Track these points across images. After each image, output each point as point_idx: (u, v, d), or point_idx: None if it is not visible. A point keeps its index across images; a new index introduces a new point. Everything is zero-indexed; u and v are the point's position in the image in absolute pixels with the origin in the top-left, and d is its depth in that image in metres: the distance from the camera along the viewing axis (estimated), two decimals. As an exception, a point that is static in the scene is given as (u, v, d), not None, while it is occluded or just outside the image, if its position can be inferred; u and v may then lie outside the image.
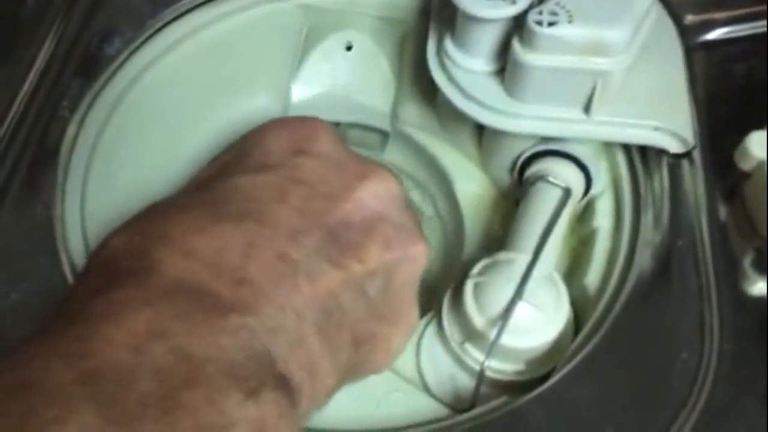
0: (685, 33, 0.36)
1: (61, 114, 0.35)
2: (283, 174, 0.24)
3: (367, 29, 0.44)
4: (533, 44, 0.31)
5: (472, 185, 0.40)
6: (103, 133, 0.37)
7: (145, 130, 0.38)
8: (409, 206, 0.27)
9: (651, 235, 0.33)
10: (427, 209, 0.43)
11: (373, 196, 0.25)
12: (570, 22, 0.31)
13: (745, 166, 0.31)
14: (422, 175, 0.43)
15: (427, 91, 0.40)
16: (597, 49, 0.31)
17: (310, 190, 0.24)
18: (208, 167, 0.26)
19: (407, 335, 0.27)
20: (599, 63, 0.31)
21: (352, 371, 0.25)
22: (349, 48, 0.44)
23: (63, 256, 0.32)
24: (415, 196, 0.43)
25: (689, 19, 0.38)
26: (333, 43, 0.44)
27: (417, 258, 0.26)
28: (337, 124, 0.44)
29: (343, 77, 0.44)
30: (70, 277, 0.31)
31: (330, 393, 0.23)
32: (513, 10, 0.32)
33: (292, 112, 0.43)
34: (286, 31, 0.44)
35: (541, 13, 0.31)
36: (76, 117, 0.36)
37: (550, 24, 0.31)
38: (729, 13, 0.38)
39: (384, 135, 0.44)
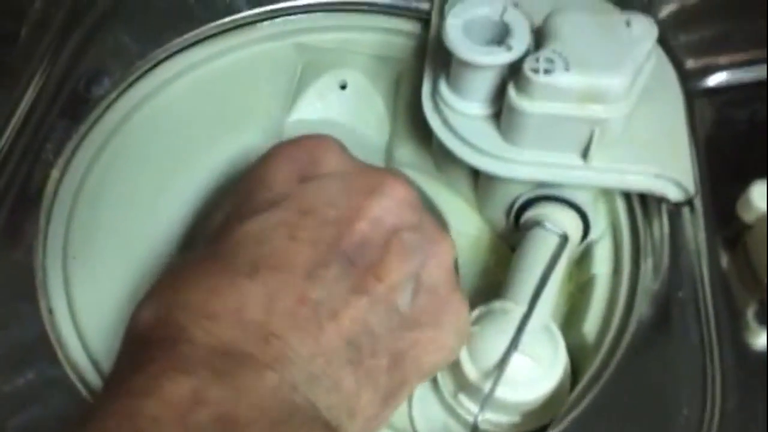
0: (686, 78, 0.36)
1: (45, 157, 0.34)
2: (290, 207, 0.24)
3: (362, 68, 0.44)
4: (529, 91, 0.30)
5: (468, 227, 0.39)
6: (89, 176, 0.36)
7: (133, 173, 0.37)
8: (424, 203, 0.27)
9: (650, 284, 0.32)
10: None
11: (384, 209, 0.25)
12: (567, 69, 0.30)
13: (748, 217, 0.30)
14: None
15: (423, 132, 0.40)
16: (595, 96, 0.30)
17: (319, 217, 0.24)
18: (217, 213, 0.27)
19: (458, 328, 0.26)
20: (597, 111, 0.30)
21: (400, 387, 0.24)
22: (343, 87, 0.44)
23: (42, 303, 0.31)
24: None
25: (690, 63, 0.37)
26: (327, 82, 0.43)
27: (441, 254, 0.26)
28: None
29: (337, 116, 0.43)
30: (48, 325, 0.30)
31: (379, 418, 0.24)
32: (509, 57, 0.31)
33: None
34: (280, 70, 0.43)
35: (537, 60, 0.30)
36: (61, 160, 0.35)
37: (546, 71, 0.30)
38: (731, 58, 0.37)
39: (378, 174, 0.43)
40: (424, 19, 0.43)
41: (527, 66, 0.30)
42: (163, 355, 0.21)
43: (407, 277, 0.24)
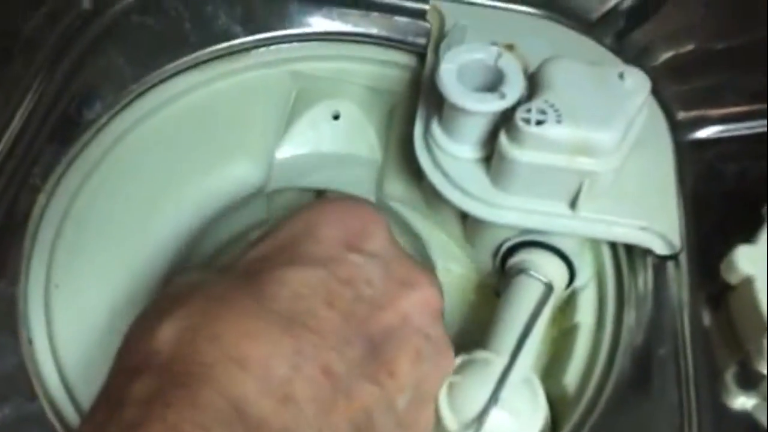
0: (677, 129, 0.36)
1: (32, 182, 0.34)
2: (332, 272, 0.25)
3: (356, 99, 0.44)
4: (520, 141, 0.31)
5: (455, 266, 0.39)
6: (75, 201, 0.36)
7: (120, 199, 0.37)
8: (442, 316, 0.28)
9: (632, 338, 0.32)
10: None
11: (413, 307, 0.26)
12: (558, 122, 0.30)
13: (732, 279, 0.30)
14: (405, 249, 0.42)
15: (413, 167, 0.39)
16: (585, 150, 0.30)
17: (356, 292, 0.25)
18: (257, 247, 0.26)
19: None
20: (587, 163, 0.30)
21: None
22: (336, 117, 0.43)
23: (22, 333, 0.30)
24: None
25: (681, 115, 0.37)
26: (320, 111, 0.43)
27: (444, 370, 0.27)
28: (321, 192, 0.43)
29: (328, 146, 0.43)
30: (26, 357, 0.30)
31: None
32: (501, 105, 0.31)
33: (275, 179, 0.42)
34: (274, 97, 0.43)
35: (529, 110, 0.30)
36: (48, 185, 0.35)
37: (539, 123, 0.30)
38: (723, 111, 0.37)
39: (368, 206, 0.43)
40: (419, 52, 0.43)
41: (519, 116, 0.30)
42: (183, 401, 0.20)
43: (413, 382, 0.25)
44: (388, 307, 0.25)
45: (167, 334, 0.22)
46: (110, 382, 0.23)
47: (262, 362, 0.22)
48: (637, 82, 0.32)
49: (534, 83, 0.32)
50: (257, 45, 0.43)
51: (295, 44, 0.44)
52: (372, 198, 0.42)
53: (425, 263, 0.40)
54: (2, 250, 0.32)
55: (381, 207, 0.42)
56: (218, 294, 0.24)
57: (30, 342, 0.31)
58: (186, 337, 0.22)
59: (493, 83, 0.33)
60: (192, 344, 0.22)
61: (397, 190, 0.41)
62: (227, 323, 0.22)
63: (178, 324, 0.22)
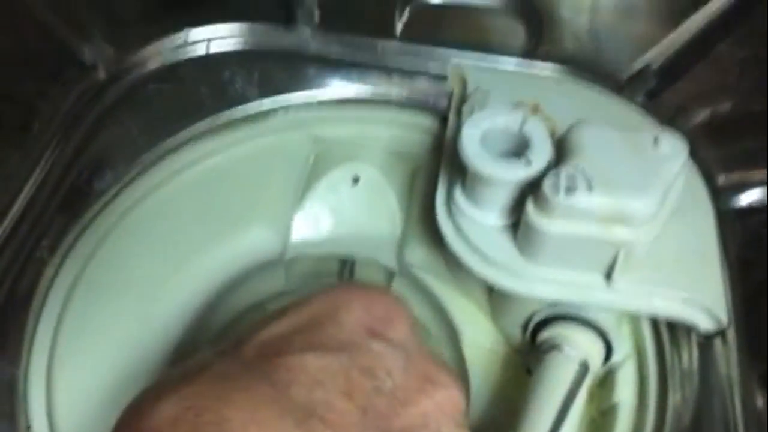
0: (717, 194, 0.34)
1: (39, 255, 0.33)
2: (353, 359, 0.23)
3: (376, 163, 0.42)
4: (549, 210, 0.29)
5: (482, 338, 0.37)
6: (83, 273, 0.35)
7: (130, 272, 0.35)
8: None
9: (679, 422, 0.29)
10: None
11: (435, 407, 0.24)
12: (590, 189, 0.28)
13: (787, 361, 0.28)
14: (428, 319, 0.40)
15: (436, 233, 0.38)
16: (620, 219, 0.28)
17: (376, 383, 0.23)
18: (276, 324, 0.25)
19: None
20: (622, 233, 0.28)
21: None
22: (356, 181, 0.42)
23: (21, 419, 0.29)
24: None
25: (722, 179, 0.35)
26: (340, 175, 0.42)
27: None
28: (342, 261, 0.42)
29: (348, 211, 0.42)
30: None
31: None
32: (528, 173, 0.30)
33: (293, 246, 0.40)
34: (292, 162, 0.42)
35: (557, 177, 0.28)
36: (55, 258, 0.33)
37: (568, 191, 0.28)
38: (765, 174, 0.35)
39: (389, 272, 0.41)
40: (441, 115, 0.42)
41: (547, 185, 0.28)
42: None
43: None
44: (409, 405, 0.24)
45: (167, 412, 0.21)
46: None
47: None
48: (673, 147, 0.30)
49: (562, 148, 0.31)
50: (275, 109, 0.42)
51: (313, 108, 0.43)
52: (394, 265, 0.40)
53: (452, 334, 0.38)
54: (4, 328, 0.31)
55: (403, 276, 0.40)
56: (229, 374, 0.22)
57: (28, 429, 0.29)
58: (187, 417, 0.20)
59: (519, 148, 0.31)
60: (193, 427, 0.20)
61: (419, 257, 0.39)
62: (236, 408, 0.21)
63: (181, 403, 0.21)
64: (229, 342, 0.26)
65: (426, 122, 0.43)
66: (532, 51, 0.42)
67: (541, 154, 0.30)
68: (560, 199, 0.28)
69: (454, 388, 0.25)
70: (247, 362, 0.23)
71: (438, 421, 0.24)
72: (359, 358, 0.24)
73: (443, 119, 0.41)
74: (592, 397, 0.33)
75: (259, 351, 0.24)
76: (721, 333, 0.30)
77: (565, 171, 0.29)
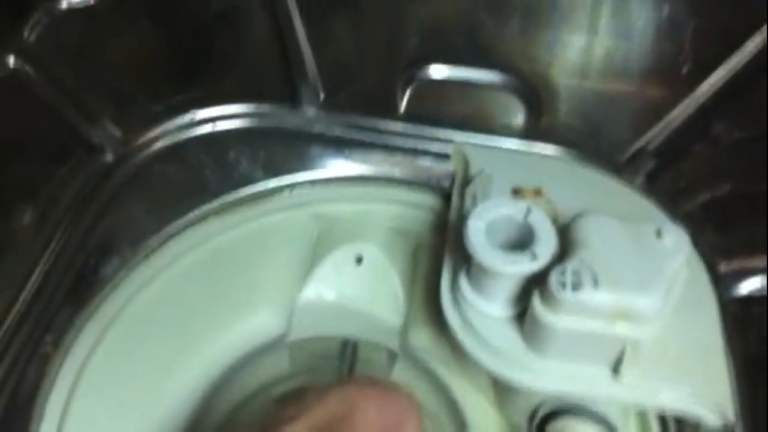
0: (719, 282, 0.34)
1: (43, 350, 0.33)
2: None
3: (379, 241, 0.42)
4: (555, 306, 0.29)
5: (488, 426, 0.37)
6: (87, 366, 0.34)
7: (135, 359, 0.35)
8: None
9: None
10: (437, 447, 0.39)
11: None
12: (595, 286, 0.28)
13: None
14: (432, 404, 0.40)
15: (440, 317, 0.38)
16: (626, 315, 0.28)
17: None
18: (289, 426, 0.25)
19: None
20: (628, 330, 0.28)
21: None
22: (359, 260, 0.42)
23: None
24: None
25: (723, 266, 0.35)
26: (343, 255, 0.42)
27: None
28: (344, 342, 0.42)
29: (351, 292, 0.41)
30: None
31: None
32: (533, 267, 0.30)
33: (297, 326, 0.40)
34: (296, 241, 0.42)
35: (563, 273, 0.29)
36: (60, 351, 0.33)
37: (575, 287, 0.28)
38: (765, 260, 0.35)
39: (392, 355, 0.41)
40: (444, 193, 0.42)
41: (554, 281, 0.29)
42: None
43: None
44: None
45: None
46: None
47: None
48: (675, 240, 0.30)
49: (567, 240, 0.31)
50: (279, 189, 0.43)
51: (317, 187, 0.43)
52: (396, 349, 0.40)
53: (457, 421, 0.37)
54: (8, 429, 0.31)
55: (407, 359, 0.40)
56: None
57: None
58: None
59: (523, 239, 0.31)
60: None
61: (423, 341, 0.39)
62: None
63: None
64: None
65: (428, 200, 0.43)
66: (531, 131, 0.43)
67: (546, 248, 0.30)
68: (567, 295, 0.28)
69: None
70: None
71: None
72: None
73: (445, 197, 0.42)
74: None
75: None
76: (729, 429, 0.30)
77: (570, 267, 0.29)
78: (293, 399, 0.27)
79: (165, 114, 0.43)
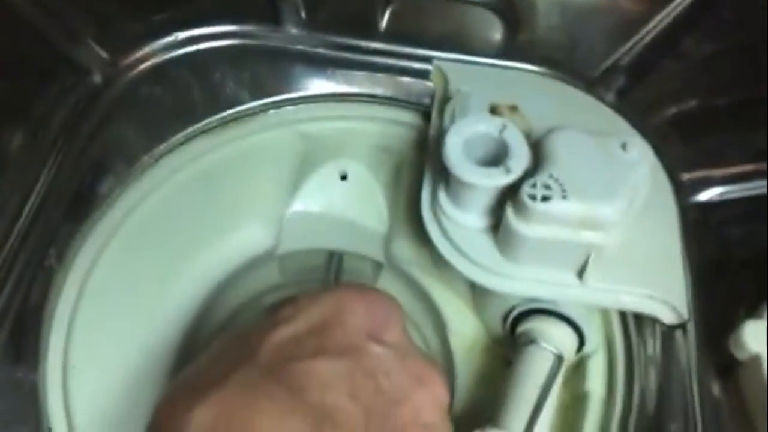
0: (681, 191, 0.36)
1: (48, 264, 0.35)
2: (356, 362, 0.26)
3: (363, 158, 0.44)
4: (527, 216, 0.31)
5: (466, 328, 0.39)
6: (90, 278, 0.36)
7: (133, 273, 0.37)
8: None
9: (643, 410, 0.32)
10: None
11: (425, 403, 0.27)
12: (564, 197, 0.30)
13: (740, 356, 0.31)
14: (415, 312, 0.42)
15: (421, 229, 0.40)
16: (591, 223, 0.31)
17: (376, 384, 0.26)
18: (286, 326, 0.27)
19: None
20: (593, 237, 0.31)
21: None
22: (344, 177, 0.44)
23: (43, 422, 0.31)
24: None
25: (685, 176, 0.37)
26: (328, 172, 0.44)
27: None
28: (330, 253, 0.44)
29: (337, 206, 0.43)
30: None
31: None
32: (507, 180, 0.32)
33: (285, 239, 0.42)
34: (282, 159, 0.44)
35: (534, 186, 0.31)
36: (63, 264, 0.35)
37: (544, 199, 0.30)
38: (727, 171, 0.37)
39: (377, 265, 0.44)
40: (425, 111, 0.44)
41: (525, 192, 0.31)
42: None
43: None
44: (404, 403, 0.26)
45: (202, 418, 0.23)
46: None
47: None
48: (640, 153, 0.32)
49: (539, 153, 0.33)
50: (264, 108, 0.44)
51: (301, 105, 0.44)
52: (382, 259, 0.42)
53: (438, 325, 0.40)
54: (21, 336, 0.33)
55: (391, 269, 0.42)
56: (252, 381, 0.25)
57: (50, 430, 0.32)
58: (220, 425, 0.23)
59: (498, 154, 0.33)
60: None
61: (406, 252, 0.41)
62: (261, 415, 0.23)
63: (214, 410, 0.23)
64: (240, 336, 0.28)
65: (410, 118, 0.44)
66: (509, 48, 0.44)
67: (519, 162, 0.32)
68: (537, 206, 0.30)
69: (440, 384, 0.28)
70: (264, 367, 0.25)
71: (425, 415, 0.27)
72: (361, 361, 0.26)
73: (426, 114, 0.43)
74: (565, 384, 0.36)
75: (274, 354, 0.26)
76: (682, 326, 0.33)
77: (541, 179, 0.31)
78: (286, 304, 0.29)
79: (149, 35, 0.43)
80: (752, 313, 0.31)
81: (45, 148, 0.38)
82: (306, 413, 0.24)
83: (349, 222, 0.43)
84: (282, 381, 0.25)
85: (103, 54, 0.42)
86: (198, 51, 0.44)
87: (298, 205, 0.43)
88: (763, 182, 0.37)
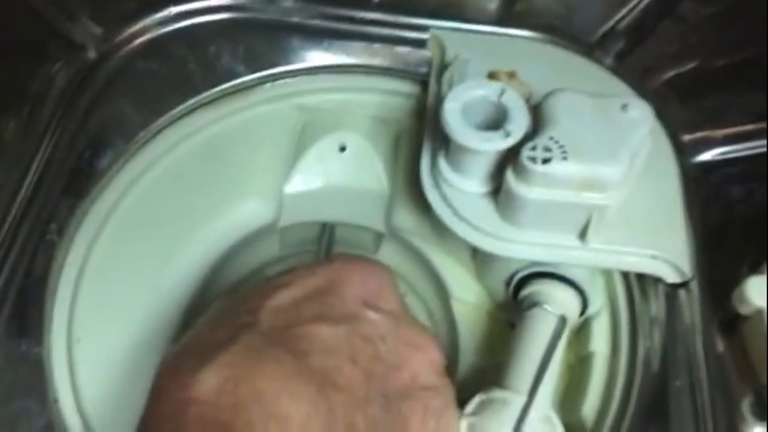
0: (681, 152, 0.36)
1: (49, 238, 0.35)
2: (355, 328, 0.27)
3: (362, 129, 0.44)
4: (527, 179, 0.31)
5: (469, 296, 0.39)
6: (91, 253, 0.36)
7: (134, 247, 0.37)
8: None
9: (648, 367, 0.32)
10: (421, 316, 0.42)
11: (422, 366, 0.28)
12: (564, 159, 0.30)
13: (743, 310, 0.31)
14: (417, 280, 0.43)
15: (421, 198, 0.39)
16: (592, 185, 0.31)
17: (374, 349, 0.27)
18: (284, 292, 0.28)
19: None
20: (595, 198, 0.31)
21: None
22: (343, 149, 0.44)
23: (48, 393, 0.31)
24: (410, 301, 0.42)
25: (686, 137, 0.37)
26: (327, 144, 0.43)
27: (450, 419, 0.29)
28: (331, 225, 0.44)
29: (336, 178, 0.43)
30: (54, 416, 0.31)
31: None
32: (507, 143, 0.32)
33: (286, 212, 0.42)
34: (280, 132, 0.43)
35: (534, 148, 0.31)
36: (65, 239, 0.35)
37: (545, 161, 0.30)
38: (727, 131, 0.37)
39: (378, 235, 0.44)
40: (422, 80, 0.44)
41: (525, 155, 0.31)
42: None
43: None
44: (402, 367, 0.27)
45: (209, 382, 0.23)
46: None
47: (300, 421, 0.23)
48: (640, 114, 0.32)
49: (538, 117, 0.33)
50: (261, 81, 0.44)
51: (298, 78, 0.44)
52: (383, 230, 0.42)
53: (441, 292, 0.40)
54: (24, 310, 0.33)
55: (392, 239, 0.42)
56: (256, 346, 0.25)
57: (56, 401, 0.32)
58: (227, 388, 0.23)
59: (498, 119, 0.33)
60: (233, 396, 0.23)
61: (407, 221, 0.41)
62: (267, 379, 0.23)
63: (221, 373, 0.23)
64: (238, 301, 0.28)
65: (408, 88, 0.44)
66: (506, 16, 0.44)
67: (519, 126, 0.32)
68: (538, 168, 0.30)
69: (434, 347, 0.29)
70: (266, 331, 0.26)
71: (423, 377, 0.28)
72: (360, 327, 0.27)
73: (424, 84, 0.43)
74: (570, 346, 0.36)
75: (274, 319, 0.26)
76: (685, 284, 0.33)
77: (541, 142, 0.31)
78: (284, 272, 0.30)
79: (144, 10, 0.43)
80: (754, 269, 0.32)
81: (42, 124, 0.38)
82: (310, 377, 0.24)
83: (350, 193, 0.43)
84: (285, 345, 0.25)
85: (98, 30, 0.42)
86: (193, 25, 0.44)
87: (297, 178, 0.43)
88: (763, 141, 0.37)
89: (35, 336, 0.32)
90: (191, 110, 0.42)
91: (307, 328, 0.26)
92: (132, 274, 0.37)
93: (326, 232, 0.44)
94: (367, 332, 0.27)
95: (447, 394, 0.29)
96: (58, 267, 0.35)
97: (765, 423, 0.30)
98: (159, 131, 0.41)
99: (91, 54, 0.41)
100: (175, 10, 0.44)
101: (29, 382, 0.31)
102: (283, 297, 0.27)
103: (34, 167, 0.36)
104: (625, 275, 0.36)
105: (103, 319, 0.35)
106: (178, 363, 0.25)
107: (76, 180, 0.37)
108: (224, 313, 0.28)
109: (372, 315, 0.27)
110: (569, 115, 0.32)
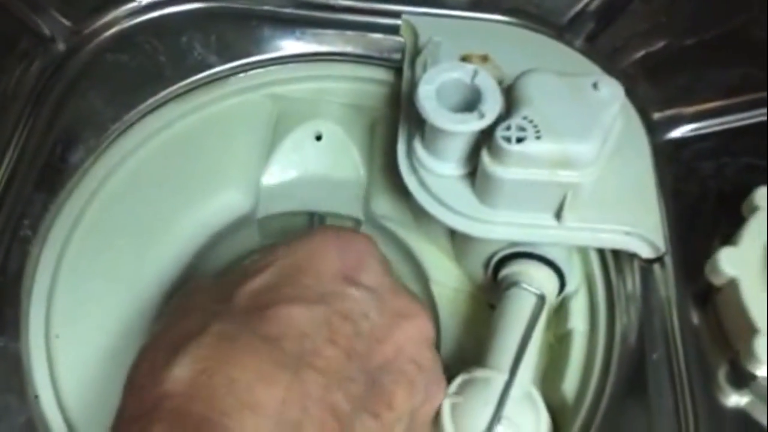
0: (653, 129, 0.37)
1: (23, 234, 0.34)
2: (333, 307, 0.26)
3: (337, 118, 0.44)
4: (502, 159, 0.31)
5: (448, 279, 0.40)
6: (67, 249, 0.36)
7: (111, 241, 0.37)
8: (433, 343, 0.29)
9: (626, 342, 0.33)
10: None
11: (407, 337, 0.27)
12: (538, 138, 0.31)
13: (716, 281, 0.31)
14: (396, 265, 0.42)
15: (399, 184, 0.40)
16: (566, 163, 0.31)
17: (355, 327, 0.26)
18: (259, 276, 0.27)
19: None
20: (569, 176, 0.31)
21: None
22: (318, 138, 0.44)
23: (28, 389, 0.31)
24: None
25: (657, 115, 0.38)
26: (302, 134, 0.44)
27: (436, 398, 0.29)
28: (310, 214, 0.44)
29: (313, 167, 0.43)
30: (34, 412, 0.30)
31: None
32: (481, 124, 0.32)
33: (263, 205, 0.42)
34: (255, 123, 0.43)
35: (509, 128, 0.31)
36: (39, 235, 0.35)
37: (519, 140, 0.30)
38: (697, 108, 0.38)
39: (357, 223, 0.44)
40: (396, 67, 0.44)
41: (499, 135, 0.31)
42: None
43: (408, 411, 0.27)
44: (385, 341, 0.26)
45: (181, 375, 0.23)
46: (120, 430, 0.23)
47: (275, 408, 0.22)
48: (611, 91, 0.32)
49: (511, 98, 0.33)
50: (234, 72, 0.43)
51: (271, 67, 0.44)
52: (361, 217, 0.42)
53: (420, 277, 0.40)
54: (0, 307, 0.33)
55: (371, 225, 0.42)
56: (229, 334, 0.24)
57: (36, 397, 0.31)
58: (201, 380, 0.22)
59: (471, 101, 0.33)
60: (207, 388, 0.22)
61: (385, 207, 0.41)
62: (241, 368, 0.23)
63: (194, 366, 0.23)
64: (212, 287, 0.28)
65: (381, 75, 0.44)
66: (477, 1, 0.44)
67: (492, 106, 0.32)
68: (512, 148, 0.31)
69: (422, 316, 0.29)
70: (239, 317, 0.25)
71: (409, 349, 0.27)
72: (338, 306, 0.26)
73: (398, 71, 0.43)
74: (549, 324, 0.36)
75: (248, 303, 0.26)
76: (660, 259, 0.34)
77: (515, 121, 0.31)
78: (262, 252, 0.29)
79: (112, 2, 0.42)
80: (727, 241, 0.32)
81: (11, 119, 0.37)
82: (285, 362, 0.24)
83: (327, 182, 0.43)
84: (259, 330, 0.25)
85: (66, 22, 0.41)
86: (162, 16, 0.43)
87: (274, 168, 0.43)
88: (733, 117, 0.38)
89: (13, 332, 0.32)
90: (164, 102, 0.41)
91: (280, 309, 0.25)
92: (109, 269, 0.37)
93: (315, 221, 0.44)
94: (346, 310, 0.26)
95: (434, 369, 0.29)
96: (34, 263, 0.35)
97: (741, 391, 0.30)
98: (132, 124, 0.40)
99: (60, 47, 0.41)
100: (144, 0, 0.43)
101: (8, 378, 0.31)
102: (258, 281, 0.27)
103: (5, 163, 0.36)
104: (601, 253, 0.36)
105: (82, 314, 0.35)
106: (151, 356, 0.24)
107: (49, 175, 0.37)
108: (198, 300, 0.28)
109: (351, 291, 0.27)
110: (542, 94, 0.32)
